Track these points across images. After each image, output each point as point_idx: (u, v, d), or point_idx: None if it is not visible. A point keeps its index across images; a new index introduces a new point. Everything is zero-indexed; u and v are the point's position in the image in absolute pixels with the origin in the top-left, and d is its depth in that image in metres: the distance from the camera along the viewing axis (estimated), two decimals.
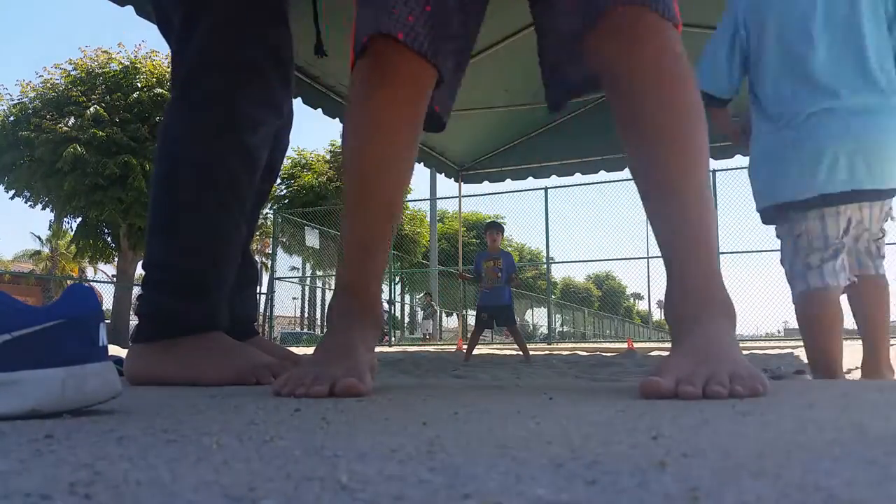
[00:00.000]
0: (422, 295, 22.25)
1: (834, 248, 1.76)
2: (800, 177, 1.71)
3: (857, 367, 3.88)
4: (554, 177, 9.89)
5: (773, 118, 1.73)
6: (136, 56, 16.14)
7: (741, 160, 8.65)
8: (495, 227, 6.67)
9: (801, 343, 10.57)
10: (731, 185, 15.31)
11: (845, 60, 1.56)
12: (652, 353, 7.41)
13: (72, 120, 15.09)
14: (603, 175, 9.75)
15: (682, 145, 1.05)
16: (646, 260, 15.82)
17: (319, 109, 7.10)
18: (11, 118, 15.96)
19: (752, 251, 11.74)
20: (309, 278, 26.53)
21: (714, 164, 9.42)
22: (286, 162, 23.78)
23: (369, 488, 0.43)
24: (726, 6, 1.84)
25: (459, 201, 10.51)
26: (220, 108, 1.69)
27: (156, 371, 1.58)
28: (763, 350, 8.33)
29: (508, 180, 9.85)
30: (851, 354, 5.82)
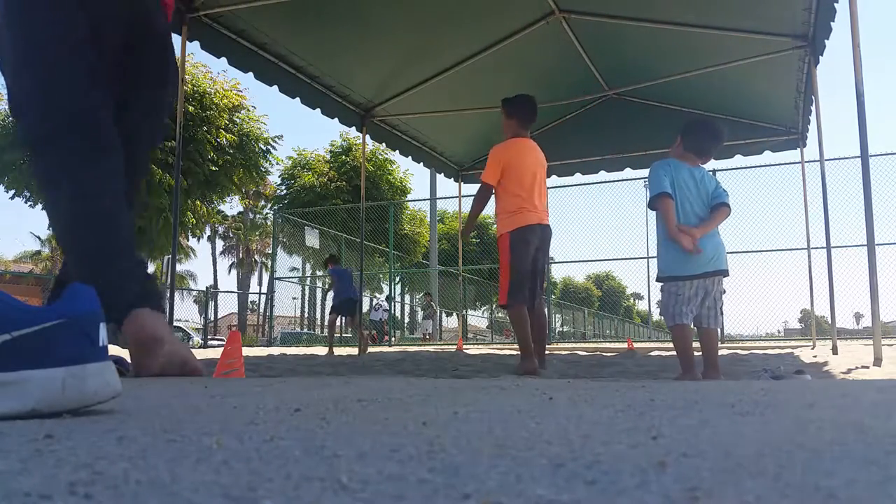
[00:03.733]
0: (421, 295, 22.24)
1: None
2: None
3: (857, 367, 3.87)
4: (554, 177, 9.89)
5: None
6: None
7: (741, 160, 8.66)
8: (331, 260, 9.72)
9: (801, 343, 10.46)
10: (731, 186, 15.28)
11: (698, 209, 3.12)
12: (652, 353, 7.40)
13: None
14: (603, 175, 9.75)
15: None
16: (646, 260, 15.82)
17: (318, 109, 7.10)
18: (11, 118, 15.93)
19: (753, 251, 11.75)
20: (309, 278, 26.52)
21: (714, 163, 9.42)
22: (287, 162, 23.78)
23: (369, 488, 0.43)
24: (659, 171, 3.17)
25: (459, 201, 10.51)
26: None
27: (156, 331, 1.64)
28: (763, 350, 8.33)
29: None
30: (850, 355, 5.76)
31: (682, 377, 2.97)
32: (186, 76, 14.01)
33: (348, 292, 8.97)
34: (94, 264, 1.71)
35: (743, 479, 0.44)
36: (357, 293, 8.98)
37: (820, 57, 5.74)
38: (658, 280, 3.16)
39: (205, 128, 15.92)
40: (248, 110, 17.28)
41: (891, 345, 8.42)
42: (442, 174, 10.03)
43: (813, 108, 6.59)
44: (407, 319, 23.72)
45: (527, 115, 3.98)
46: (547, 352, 8.81)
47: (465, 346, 10.62)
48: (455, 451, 0.57)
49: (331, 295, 10.06)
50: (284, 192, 23.68)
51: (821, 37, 5.55)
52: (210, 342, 16.77)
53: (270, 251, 19.26)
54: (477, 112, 8.12)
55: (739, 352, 7.51)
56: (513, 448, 0.58)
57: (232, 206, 50.27)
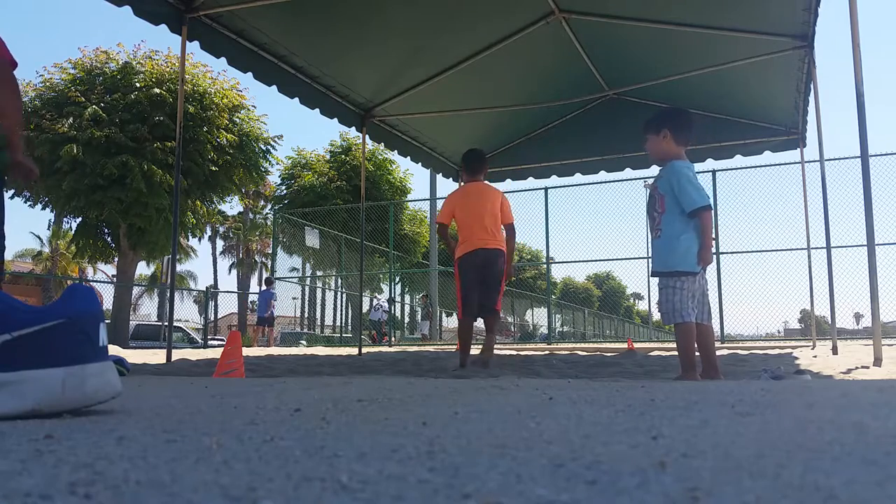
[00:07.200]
0: (420, 296, 22.23)
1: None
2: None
3: (857, 367, 3.87)
4: (554, 177, 9.89)
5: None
6: (134, 56, 16.13)
7: (741, 160, 8.65)
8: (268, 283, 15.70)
9: (801, 343, 10.43)
10: (731, 185, 15.28)
11: None
12: (652, 353, 7.40)
13: (70, 120, 15.08)
14: (603, 175, 9.74)
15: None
16: (646, 260, 15.80)
17: (318, 109, 7.09)
18: None
19: (753, 251, 11.74)
20: (309, 278, 26.51)
21: (714, 164, 9.43)
22: (287, 162, 23.75)
23: (369, 488, 0.43)
24: (697, 179, 3.12)
25: None
26: None
27: None
28: (763, 350, 8.33)
29: (508, 180, 9.84)
30: (850, 355, 5.75)
31: (682, 377, 2.96)
32: (186, 76, 14.00)
33: (264, 311, 14.85)
34: None
35: (743, 479, 0.44)
36: (272, 312, 15.07)
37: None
38: (669, 274, 3.01)
39: (205, 128, 15.91)
40: (248, 110, 17.27)
41: (891, 345, 8.41)
42: (441, 174, 10.02)
43: (813, 108, 6.59)
44: (407, 320, 23.71)
45: (469, 166, 4.86)
46: (546, 351, 8.93)
47: None
48: (455, 451, 0.57)
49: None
50: (284, 192, 23.67)
51: (812, 36, 5.56)
52: (210, 342, 16.76)
53: (270, 251, 19.25)
54: (477, 112, 8.12)
55: (739, 352, 7.51)
56: (513, 448, 0.58)
57: (232, 206, 50.10)
